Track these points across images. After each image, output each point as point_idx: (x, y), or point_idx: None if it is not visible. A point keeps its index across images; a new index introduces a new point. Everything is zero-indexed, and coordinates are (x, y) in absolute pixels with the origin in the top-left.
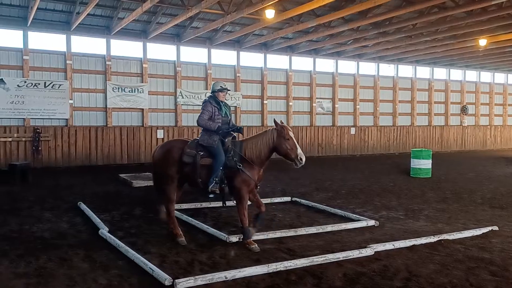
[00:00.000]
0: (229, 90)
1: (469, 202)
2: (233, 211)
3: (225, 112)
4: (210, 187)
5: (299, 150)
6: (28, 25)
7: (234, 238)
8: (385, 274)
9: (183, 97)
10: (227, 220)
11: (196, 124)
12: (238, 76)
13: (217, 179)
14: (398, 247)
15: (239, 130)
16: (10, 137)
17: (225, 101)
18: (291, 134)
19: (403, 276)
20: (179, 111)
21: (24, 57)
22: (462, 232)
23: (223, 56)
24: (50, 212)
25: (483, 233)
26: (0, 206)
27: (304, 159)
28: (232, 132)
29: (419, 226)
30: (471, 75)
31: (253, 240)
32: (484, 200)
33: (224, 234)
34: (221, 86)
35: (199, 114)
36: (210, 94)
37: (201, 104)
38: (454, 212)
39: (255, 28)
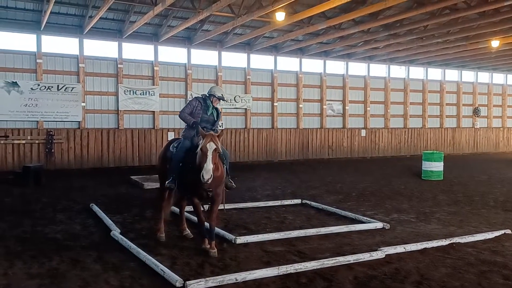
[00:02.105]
0: (226, 101)
1: (482, 205)
2: (244, 214)
3: (211, 113)
4: (166, 182)
5: (206, 166)
6: (42, 29)
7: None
8: (396, 277)
9: None
10: (237, 223)
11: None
12: (249, 78)
13: (174, 175)
14: (409, 250)
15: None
16: (24, 140)
17: (215, 105)
18: (208, 146)
19: (414, 279)
20: None
21: (38, 61)
22: (474, 235)
23: (234, 59)
24: (63, 214)
25: (495, 236)
26: (13, 207)
27: (206, 178)
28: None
29: (431, 229)
30: (484, 76)
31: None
32: (496, 203)
33: (232, 236)
34: (222, 94)
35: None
36: (206, 94)
37: None
38: (466, 215)
39: (265, 30)
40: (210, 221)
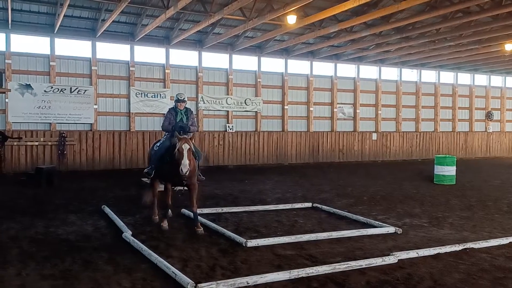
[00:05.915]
0: (185, 102)
1: (495, 210)
2: (254, 217)
3: (181, 118)
4: (145, 169)
5: (184, 162)
6: (55, 32)
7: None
8: (409, 283)
9: (204, 102)
10: (248, 226)
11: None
12: (259, 81)
13: (152, 165)
14: (422, 255)
15: (183, 128)
16: (37, 141)
17: (181, 109)
18: (183, 146)
19: (427, 285)
20: (200, 116)
21: (51, 63)
22: (488, 240)
23: (244, 62)
24: (75, 215)
25: (510, 242)
26: (27, 208)
27: (184, 171)
28: (183, 133)
29: (444, 234)
30: (496, 80)
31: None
32: (510, 208)
33: (243, 239)
34: (178, 98)
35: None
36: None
37: (221, 109)
38: (479, 220)
39: (276, 33)
40: (193, 209)
